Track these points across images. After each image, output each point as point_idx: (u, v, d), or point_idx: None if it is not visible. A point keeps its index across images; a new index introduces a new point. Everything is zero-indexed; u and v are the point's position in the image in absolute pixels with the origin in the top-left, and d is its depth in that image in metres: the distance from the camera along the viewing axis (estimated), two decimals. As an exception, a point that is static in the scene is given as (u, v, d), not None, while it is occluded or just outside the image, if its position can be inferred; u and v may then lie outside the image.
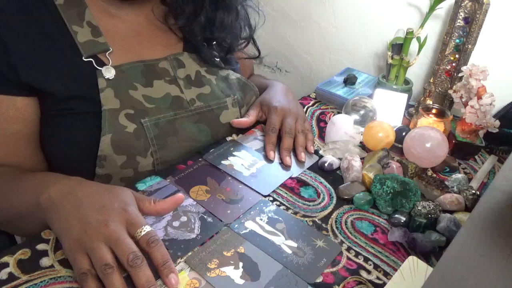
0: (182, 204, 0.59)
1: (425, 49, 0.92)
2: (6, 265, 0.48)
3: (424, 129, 0.71)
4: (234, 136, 0.77)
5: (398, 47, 0.90)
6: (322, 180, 0.68)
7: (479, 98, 0.74)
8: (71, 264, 0.46)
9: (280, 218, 0.59)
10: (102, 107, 0.62)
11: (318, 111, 0.91)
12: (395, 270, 0.52)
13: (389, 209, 0.62)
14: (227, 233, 0.55)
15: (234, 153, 0.72)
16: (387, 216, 0.62)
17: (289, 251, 0.53)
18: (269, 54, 1.31)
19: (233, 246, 0.53)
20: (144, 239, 0.47)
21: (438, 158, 0.70)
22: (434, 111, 0.80)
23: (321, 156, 0.73)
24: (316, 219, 0.60)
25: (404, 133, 0.74)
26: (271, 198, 0.63)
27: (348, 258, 0.54)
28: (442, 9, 0.89)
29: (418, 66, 1.00)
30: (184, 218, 0.57)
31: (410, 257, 0.51)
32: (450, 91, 0.84)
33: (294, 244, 0.55)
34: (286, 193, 0.64)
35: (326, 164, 0.70)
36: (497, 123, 0.74)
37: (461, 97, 0.80)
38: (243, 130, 0.78)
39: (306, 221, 0.59)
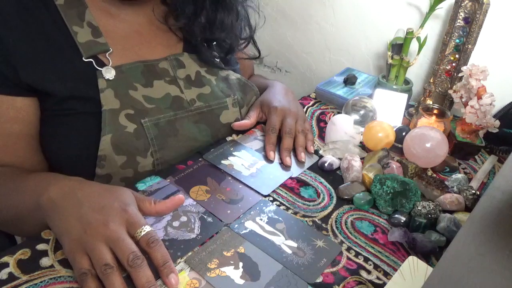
0: (182, 204, 0.59)
1: (425, 49, 0.92)
2: (6, 265, 0.48)
3: (424, 129, 0.71)
4: (234, 136, 0.77)
5: (398, 47, 0.90)
6: (322, 180, 0.68)
7: (479, 98, 0.74)
8: (71, 264, 0.46)
9: (280, 218, 0.59)
10: (102, 107, 0.62)
11: (318, 111, 0.91)
12: (395, 270, 0.52)
13: (389, 209, 0.62)
14: (227, 233, 0.55)
15: (234, 153, 0.72)
16: (387, 216, 0.62)
17: (289, 251, 0.53)
18: (269, 54, 1.31)
19: (233, 246, 0.53)
20: (144, 239, 0.47)
21: (438, 158, 0.70)
22: (434, 111, 0.80)
23: (321, 156, 0.73)
24: (316, 219, 0.60)
25: (404, 133, 0.74)
26: (271, 198, 0.63)
27: (348, 258, 0.54)
28: (442, 9, 0.89)
29: (418, 66, 1.00)
30: (184, 218, 0.57)
31: (410, 257, 0.51)
32: (450, 91, 0.84)
33: (294, 244, 0.55)
34: (286, 193, 0.64)
35: (326, 164, 0.70)
36: (497, 123, 0.74)
37: (461, 97, 0.80)
38: (243, 131, 0.78)
39: (306, 221, 0.59)
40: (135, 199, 0.52)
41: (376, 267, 0.53)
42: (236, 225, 0.57)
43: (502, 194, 0.43)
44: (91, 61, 0.63)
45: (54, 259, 0.50)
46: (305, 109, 0.90)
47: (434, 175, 0.72)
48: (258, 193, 0.63)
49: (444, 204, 0.62)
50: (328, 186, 0.67)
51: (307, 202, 0.63)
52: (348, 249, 0.55)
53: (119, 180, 0.65)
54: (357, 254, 0.55)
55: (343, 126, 0.76)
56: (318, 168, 0.71)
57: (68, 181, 0.53)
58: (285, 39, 1.27)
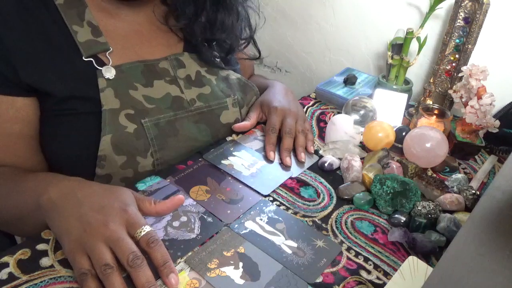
0: (182, 204, 0.59)
1: (425, 49, 0.92)
2: (6, 265, 0.48)
3: (424, 129, 0.71)
4: (234, 136, 0.77)
5: (398, 47, 0.90)
6: (322, 180, 0.68)
7: (479, 98, 0.74)
8: (71, 264, 0.46)
9: (280, 218, 0.59)
10: (102, 107, 0.62)
11: (318, 111, 0.91)
12: (395, 270, 0.52)
13: (389, 209, 0.62)
14: (227, 233, 0.55)
15: (234, 153, 0.72)
16: (387, 216, 0.62)
17: (289, 251, 0.53)
18: (269, 54, 1.31)
19: (233, 246, 0.53)
20: (144, 239, 0.47)
21: (438, 158, 0.70)
22: (434, 111, 0.80)
23: (321, 156, 0.73)
24: (316, 219, 0.60)
25: (404, 133, 0.74)
26: (271, 198, 0.63)
27: (348, 258, 0.54)
28: (442, 9, 0.89)
29: (418, 66, 1.00)
30: (184, 218, 0.57)
31: (410, 257, 0.51)
32: (450, 91, 0.84)
33: (294, 244, 0.55)
34: (286, 193, 0.64)
35: (326, 164, 0.70)
36: (497, 123, 0.74)
37: (461, 97, 0.80)
38: (243, 131, 0.78)
39: (306, 221, 0.59)
40: (135, 199, 0.52)
41: (376, 267, 0.53)
42: (236, 225, 0.57)
43: (502, 194, 0.43)
44: (91, 61, 0.63)
45: (54, 259, 0.50)
46: (305, 109, 0.90)
47: (434, 175, 0.72)
48: (258, 193, 0.63)
49: (444, 204, 0.62)
50: (328, 186, 0.67)
51: (307, 202, 0.63)
52: (348, 249, 0.55)
53: (119, 180, 0.65)
54: (357, 254, 0.55)
55: (343, 126, 0.76)
56: (318, 168, 0.71)
57: (68, 182, 0.53)
58: (285, 39, 1.27)
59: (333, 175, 0.70)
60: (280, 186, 0.65)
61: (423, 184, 0.66)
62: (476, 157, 0.79)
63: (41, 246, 0.51)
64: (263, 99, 0.81)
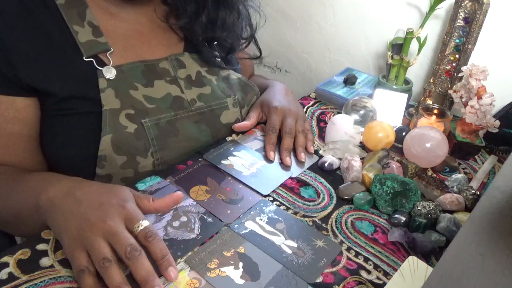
0: (182, 204, 0.59)
1: (425, 49, 0.92)
2: (6, 265, 0.48)
3: (424, 129, 0.71)
4: (234, 136, 0.77)
5: (398, 47, 0.90)
6: (322, 180, 0.68)
7: (479, 98, 0.74)
8: (70, 262, 0.46)
9: (280, 218, 0.59)
10: (102, 107, 0.62)
11: (318, 111, 0.91)
12: (395, 270, 0.52)
13: (389, 209, 0.62)
14: (227, 233, 0.55)
15: (234, 153, 0.72)
16: (387, 216, 0.62)
17: (289, 251, 0.53)
18: (269, 54, 1.31)
19: (233, 246, 0.53)
20: (142, 234, 0.47)
21: (438, 158, 0.70)
22: (434, 111, 0.80)
23: (321, 156, 0.73)
24: (316, 219, 0.60)
25: (404, 133, 0.74)
26: (271, 198, 0.63)
27: (348, 258, 0.54)
28: (442, 9, 0.89)
29: (418, 66, 1.00)
30: (184, 218, 0.57)
31: (410, 257, 0.51)
32: (450, 91, 0.84)
33: (294, 244, 0.55)
34: (286, 193, 0.64)
35: (326, 164, 0.70)
36: (497, 123, 0.74)
37: (461, 97, 0.80)
38: (243, 131, 0.78)
39: (306, 221, 0.59)
40: (133, 197, 0.52)
41: (376, 267, 0.53)
42: (236, 225, 0.57)
43: (502, 194, 0.43)
44: (92, 61, 0.63)
45: (54, 259, 0.50)
46: (305, 109, 0.90)
47: (434, 175, 0.72)
48: (258, 193, 0.63)
49: (444, 204, 0.62)
50: (328, 186, 0.67)
51: (307, 202, 0.63)
52: (348, 249, 0.55)
53: (120, 180, 0.65)
54: (357, 254, 0.55)
55: (343, 126, 0.76)
56: (318, 168, 0.71)
57: (67, 181, 0.53)
58: (285, 39, 1.27)
59: (333, 175, 0.70)
60: (280, 186, 0.65)
61: (423, 184, 0.66)
62: (476, 157, 0.79)
63: (41, 246, 0.51)
64: (263, 99, 0.81)
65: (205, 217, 0.58)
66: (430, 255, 0.55)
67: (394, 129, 0.75)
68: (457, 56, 0.87)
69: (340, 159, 0.72)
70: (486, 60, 0.85)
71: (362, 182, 0.66)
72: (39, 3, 0.60)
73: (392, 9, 1.01)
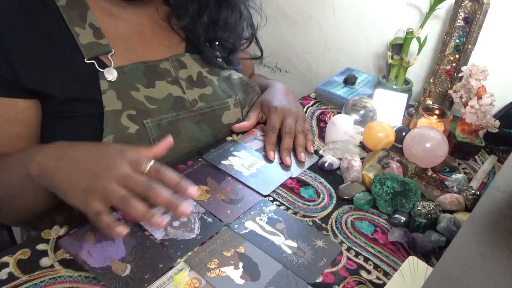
0: (171, 144, 0.58)
1: (425, 49, 0.92)
2: (6, 265, 0.48)
3: (424, 129, 0.71)
4: (234, 136, 0.77)
5: (398, 47, 0.90)
6: (322, 180, 0.68)
7: (479, 98, 0.74)
8: (85, 211, 0.47)
9: (280, 218, 0.59)
10: (104, 108, 0.61)
11: (318, 111, 0.91)
12: (395, 270, 0.52)
13: (389, 209, 0.62)
14: (227, 233, 0.55)
15: (234, 153, 0.72)
16: (387, 216, 0.62)
17: (289, 251, 0.53)
18: (269, 54, 1.31)
19: (233, 246, 0.53)
20: (152, 170, 0.48)
21: (438, 158, 0.70)
22: (434, 111, 0.80)
23: (321, 156, 0.73)
24: (316, 219, 0.60)
25: (404, 133, 0.74)
26: (271, 198, 0.63)
27: (348, 258, 0.54)
28: (442, 9, 0.89)
29: (418, 66, 1.00)
30: (184, 218, 0.57)
31: (410, 257, 0.51)
32: (450, 91, 0.84)
33: (294, 244, 0.55)
34: (286, 193, 0.64)
35: (326, 164, 0.70)
36: (497, 123, 0.74)
37: (461, 97, 0.80)
38: (243, 131, 0.78)
39: (306, 221, 0.59)
40: (126, 147, 0.53)
41: (376, 267, 0.53)
42: (236, 225, 0.57)
43: (502, 194, 0.43)
44: (93, 63, 0.62)
45: (54, 259, 0.50)
46: (305, 109, 0.90)
47: (434, 175, 0.72)
48: (258, 193, 0.63)
49: (444, 204, 0.62)
50: (328, 186, 0.67)
51: (307, 202, 0.63)
52: (348, 249, 0.55)
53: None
54: (357, 254, 0.55)
55: (343, 126, 0.76)
56: (318, 168, 0.71)
57: (53, 146, 0.53)
58: (285, 39, 1.27)
59: (333, 175, 0.70)
60: (280, 186, 0.65)
61: (423, 184, 0.66)
62: (476, 157, 0.79)
63: (41, 246, 0.51)
64: (263, 99, 0.81)
65: (205, 217, 0.58)
66: (430, 255, 0.55)
67: (394, 129, 0.75)
68: (457, 56, 0.87)
69: (340, 159, 0.72)
70: (486, 60, 0.85)
71: (362, 182, 0.66)
72: (39, 4, 0.60)
73: (392, 9, 1.01)
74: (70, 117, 0.61)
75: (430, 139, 0.69)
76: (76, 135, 0.62)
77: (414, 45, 0.89)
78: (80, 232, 0.53)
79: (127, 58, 0.66)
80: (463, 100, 0.80)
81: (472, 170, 0.75)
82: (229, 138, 0.76)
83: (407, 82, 0.93)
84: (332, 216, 0.61)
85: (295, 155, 0.72)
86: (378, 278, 0.52)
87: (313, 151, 0.74)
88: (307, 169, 0.71)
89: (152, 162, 0.49)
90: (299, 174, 0.69)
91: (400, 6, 0.99)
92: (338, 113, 0.89)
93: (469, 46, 0.84)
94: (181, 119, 0.69)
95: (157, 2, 0.71)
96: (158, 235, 0.54)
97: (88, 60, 0.62)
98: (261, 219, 0.58)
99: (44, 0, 0.61)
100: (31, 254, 0.50)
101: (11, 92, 0.59)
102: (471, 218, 0.40)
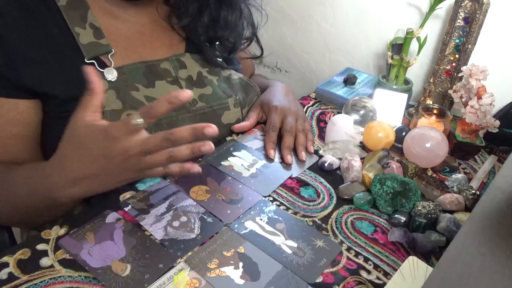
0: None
1: (425, 49, 0.92)
2: (6, 265, 0.48)
3: (424, 129, 0.71)
4: (234, 136, 0.77)
5: (398, 47, 0.90)
6: (322, 180, 0.68)
7: (479, 98, 0.74)
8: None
9: (280, 218, 0.59)
10: (104, 108, 0.61)
11: (318, 111, 0.91)
12: (395, 270, 0.52)
13: (389, 209, 0.62)
14: (227, 233, 0.55)
15: (234, 153, 0.72)
16: (387, 216, 0.62)
17: (289, 251, 0.53)
18: (269, 54, 1.31)
19: (233, 246, 0.53)
20: (159, 137, 0.48)
21: (438, 158, 0.70)
22: (434, 111, 0.80)
23: (321, 156, 0.73)
24: (316, 219, 0.60)
25: (404, 133, 0.74)
26: (271, 198, 0.63)
27: (348, 258, 0.54)
28: (442, 9, 0.89)
29: (418, 66, 1.00)
30: (184, 218, 0.57)
31: (410, 257, 0.51)
32: (450, 91, 0.84)
33: (294, 244, 0.55)
34: (286, 193, 0.64)
35: (326, 164, 0.70)
36: (497, 123, 0.74)
37: (461, 97, 0.80)
38: (243, 131, 0.78)
39: (306, 221, 0.59)
40: (87, 120, 0.51)
41: (376, 267, 0.53)
42: (236, 225, 0.57)
43: (502, 194, 0.43)
44: (93, 63, 0.62)
45: (54, 259, 0.50)
46: (305, 109, 0.90)
47: (434, 175, 0.72)
48: (258, 193, 0.63)
49: (444, 204, 0.62)
50: (328, 186, 0.67)
51: (307, 202, 0.63)
52: (348, 249, 0.55)
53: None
54: (357, 254, 0.55)
55: (343, 126, 0.76)
56: (318, 168, 0.71)
57: (58, 172, 0.53)
58: (285, 39, 1.27)
59: (333, 175, 0.70)
60: (280, 186, 0.65)
61: (423, 184, 0.66)
62: (476, 157, 0.79)
63: (41, 246, 0.51)
64: (263, 98, 0.81)
65: (205, 217, 0.58)
66: (430, 255, 0.55)
67: (394, 129, 0.75)
68: (457, 56, 0.87)
69: (340, 159, 0.72)
70: (486, 60, 0.85)
71: (362, 182, 0.66)
72: (40, 5, 0.60)
73: (392, 9, 1.01)
74: (70, 117, 0.61)
75: (430, 139, 0.69)
76: None
77: (414, 45, 0.89)
78: (80, 232, 0.53)
79: (127, 58, 0.66)
80: (463, 100, 0.80)
81: (472, 170, 0.75)
82: (229, 138, 0.76)
83: (407, 82, 0.93)
84: (332, 216, 0.61)
85: (296, 155, 0.72)
86: (378, 278, 0.52)
87: (313, 151, 0.74)
88: (307, 169, 0.71)
89: (136, 112, 0.48)
90: (299, 174, 0.69)
91: (400, 6, 0.99)
92: (338, 113, 0.89)
93: (469, 46, 0.84)
94: (181, 119, 0.69)
95: (157, 2, 0.71)
96: (158, 235, 0.54)
97: (88, 60, 0.62)
98: (261, 219, 0.58)
99: (45, 0, 0.61)
100: (31, 254, 0.50)
101: (13, 92, 0.59)
102: (471, 218, 0.40)
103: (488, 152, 0.81)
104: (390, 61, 0.89)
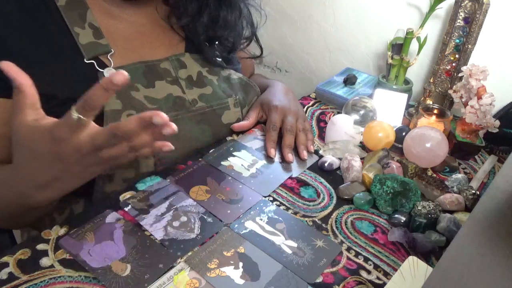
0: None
1: (425, 49, 0.92)
2: (6, 265, 0.48)
3: (424, 129, 0.71)
4: (234, 136, 0.77)
5: (398, 47, 0.90)
6: (322, 180, 0.68)
7: (479, 98, 0.74)
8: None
9: (280, 218, 0.59)
10: (103, 108, 0.61)
11: (318, 111, 0.91)
12: (395, 270, 0.52)
13: (389, 209, 0.62)
14: (227, 233, 0.55)
15: (234, 153, 0.72)
16: (387, 216, 0.62)
17: (289, 251, 0.53)
18: (269, 54, 1.31)
19: (233, 246, 0.53)
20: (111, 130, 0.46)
21: (438, 158, 0.70)
22: (434, 111, 0.80)
23: (321, 156, 0.73)
24: (316, 219, 0.60)
25: (404, 133, 0.74)
26: (271, 198, 0.63)
27: (348, 258, 0.54)
28: (442, 9, 0.89)
29: (418, 66, 1.00)
30: (184, 218, 0.57)
31: (410, 257, 0.51)
32: (450, 91, 0.84)
33: (294, 244, 0.55)
34: (286, 193, 0.64)
35: (326, 164, 0.70)
36: (497, 123, 0.74)
37: (461, 97, 0.80)
38: (243, 131, 0.78)
39: (306, 221, 0.59)
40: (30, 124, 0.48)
41: (376, 267, 0.53)
42: (236, 225, 0.57)
43: (502, 194, 0.43)
44: (93, 63, 0.62)
45: (54, 259, 0.50)
46: (305, 109, 0.90)
47: (434, 175, 0.72)
48: (258, 193, 0.63)
49: (444, 204, 0.62)
50: (328, 186, 0.67)
51: (307, 202, 0.63)
52: (348, 249, 0.55)
53: (121, 181, 0.65)
54: (357, 254, 0.55)
55: (343, 126, 0.76)
56: (318, 168, 0.71)
57: (25, 182, 0.51)
58: (285, 39, 1.27)
59: (333, 175, 0.70)
60: (280, 186, 0.65)
61: (423, 184, 0.66)
62: (476, 157, 0.79)
63: (41, 246, 0.51)
64: (263, 98, 0.81)
65: (205, 217, 0.58)
66: (430, 255, 0.55)
67: (394, 129, 0.75)
68: (457, 56, 0.87)
69: (340, 159, 0.72)
70: (486, 60, 0.85)
71: (362, 182, 0.66)
72: (39, 5, 0.60)
73: (392, 9, 1.01)
74: None
75: (430, 139, 0.69)
76: None
77: (414, 45, 0.89)
78: (80, 232, 0.53)
79: (127, 58, 0.66)
80: (463, 100, 0.80)
81: (472, 170, 0.75)
82: (229, 138, 0.76)
83: (407, 82, 0.93)
84: (332, 216, 0.61)
85: (297, 154, 0.72)
86: (378, 278, 0.52)
87: (313, 151, 0.74)
88: (307, 169, 0.71)
89: (73, 107, 0.46)
90: (299, 174, 0.69)
91: (400, 6, 0.99)
92: (338, 113, 0.89)
93: (469, 46, 0.84)
94: (181, 119, 0.69)
95: (157, 2, 0.71)
96: (158, 235, 0.54)
97: (88, 60, 0.62)
98: (261, 219, 0.58)
99: (44, 1, 0.61)
100: (31, 254, 0.50)
101: (11, 93, 0.59)
102: (471, 218, 0.40)
103: (488, 152, 0.81)
104: (390, 61, 0.89)
